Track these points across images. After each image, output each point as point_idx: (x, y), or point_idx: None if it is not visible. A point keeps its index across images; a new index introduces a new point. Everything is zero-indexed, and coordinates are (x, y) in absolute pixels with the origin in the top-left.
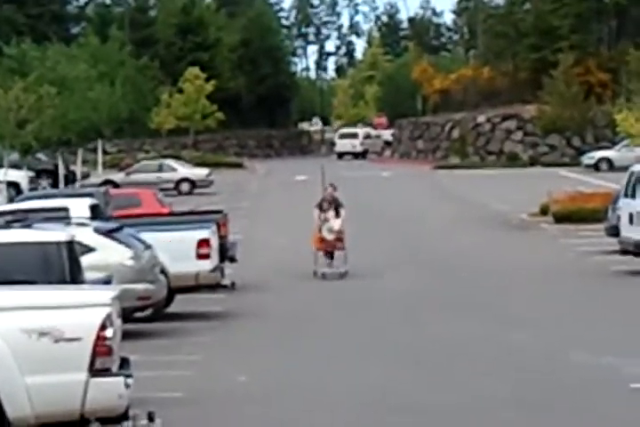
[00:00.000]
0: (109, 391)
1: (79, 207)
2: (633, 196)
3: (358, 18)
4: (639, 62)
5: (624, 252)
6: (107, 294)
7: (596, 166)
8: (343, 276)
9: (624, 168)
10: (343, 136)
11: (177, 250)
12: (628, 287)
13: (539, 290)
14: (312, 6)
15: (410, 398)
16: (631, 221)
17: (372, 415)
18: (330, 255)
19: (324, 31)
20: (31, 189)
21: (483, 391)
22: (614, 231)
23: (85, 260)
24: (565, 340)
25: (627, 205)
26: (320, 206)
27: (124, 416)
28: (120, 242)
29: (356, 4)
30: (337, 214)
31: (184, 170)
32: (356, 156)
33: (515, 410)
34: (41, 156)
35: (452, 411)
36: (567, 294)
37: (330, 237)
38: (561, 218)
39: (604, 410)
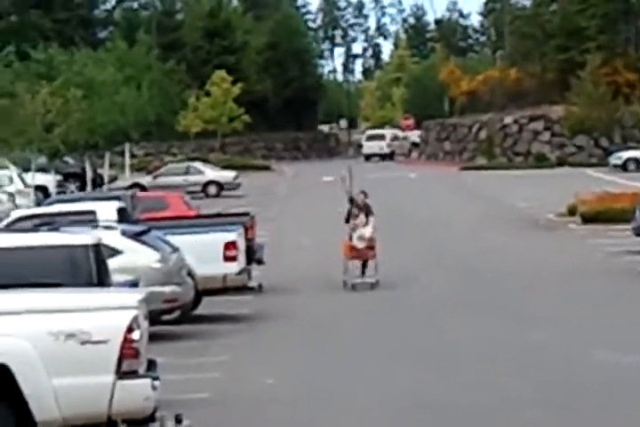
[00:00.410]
0: (136, 394)
1: (106, 210)
2: None
3: (385, 20)
4: None
5: None
6: (134, 296)
7: (623, 166)
8: (374, 286)
9: None
10: (370, 138)
11: (204, 252)
12: None
13: (566, 290)
14: (339, 9)
15: (437, 398)
16: None
17: (402, 417)
18: (363, 265)
19: (351, 33)
20: (59, 193)
21: (508, 392)
22: None
23: (112, 262)
24: (590, 339)
25: None
26: (349, 213)
27: (152, 418)
28: (147, 245)
29: (383, 7)
30: (367, 222)
31: (211, 173)
32: (384, 157)
33: (541, 410)
34: (68, 159)
35: (480, 411)
36: (594, 295)
37: (361, 245)
38: (589, 218)
39: (628, 410)
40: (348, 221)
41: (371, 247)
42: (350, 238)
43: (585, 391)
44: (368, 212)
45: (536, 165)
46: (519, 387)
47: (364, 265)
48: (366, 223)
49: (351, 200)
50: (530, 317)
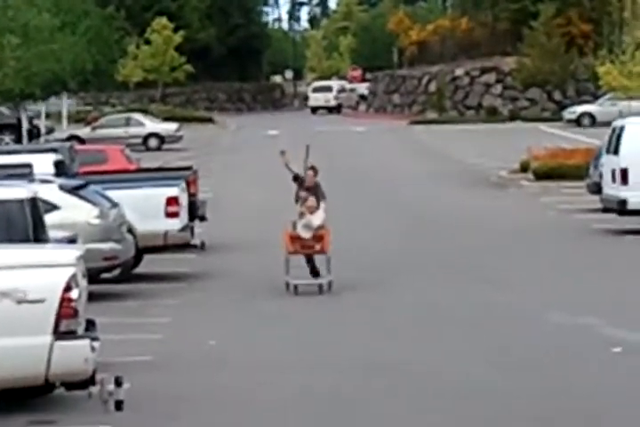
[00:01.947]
0: (75, 355)
1: (43, 163)
2: (615, 152)
3: None
4: (621, 13)
5: (606, 210)
6: (71, 253)
7: (577, 121)
8: (324, 289)
9: (607, 123)
10: (317, 90)
11: (145, 208)
12: (610, 246)
13: (519, 250)
14: None
15: (387, 359)
16: (614, 178)
17: (350, 377)
18: (308, 260)
19: None
20: None
21: (463, 355)
22: (596, 189)
23: (49, 218)
24: (545, 300)
25: (609, 162)
26: (296, 195)
27: (91, 381)
28: (86, 200)
29: None
30: (317, 207)
31: (152, 125)
32: (330, 110)
33: (497, 373)
34: (3, 110)
35: (428, 372)
36: (547, 254)
37: (307, 235)
38: (541, 175)
39: (584, 374)
40: (297, 197)
41: (320, 238)
42: (294, 227)
43: (540, 355)
44: (318, 194)
45: (487, 120)
46: (474, 349)
47: (310, 261)
48: (316, 208)
49: (296, 178)
50: (485, 277)
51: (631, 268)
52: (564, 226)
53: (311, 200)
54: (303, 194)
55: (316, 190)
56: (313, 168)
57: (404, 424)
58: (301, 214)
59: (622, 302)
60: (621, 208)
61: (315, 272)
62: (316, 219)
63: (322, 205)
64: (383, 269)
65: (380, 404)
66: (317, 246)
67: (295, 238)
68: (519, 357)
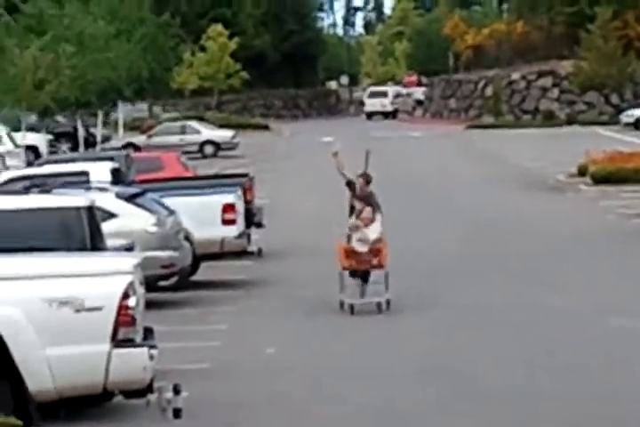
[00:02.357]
0: (133, 363)
1: (100, 171)
2: None
3: None
4: None
5: None
6: (129, 261)
7: (635, 125)
8: (382, 308)
9: None
10: (372, 95)
11: (201, 215)
12: None
13: (575, 253)
14: None
15: (447, 363)
16: None
17: (408, 382)
18: (363, 277)
19: None
20: (50, 153)
21: (513, 358)
22: None
23: (107, 226)
24: (602, 304)
25: None
26: (351, 207)
27: (149, 389)
28: (143, 207)
29: None
30: (373, 219)
31: (208, 132)
32: (386, 115)
33: (563, 373)
34: (60, 118)
35: (482, 375)
36: (605, 257)
37: (362, 248)
38: (600, 179)
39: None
40: (351, 214)
41: (377, 252)
42: (348, 240)
43: (598, 355)
44: (373, 205)
45: (544, 124)
46: (530, 352)
47: (365, 279)
48: (372, 221)
49: (349, 183)
50: (542, 280)
51: None
52: (623, 230)
53: (367, 211)
54: (358, 205)
55: (369, 200)
56: (364, 176)
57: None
58: (356, 228)
59: None
60: None
61: (363, 288)
62: (373, 232)
63: (377, 216)
64: (440, 274)
65: (430, 411)
66: (374, 261)
67: (350, 253)
68: (576, 360)
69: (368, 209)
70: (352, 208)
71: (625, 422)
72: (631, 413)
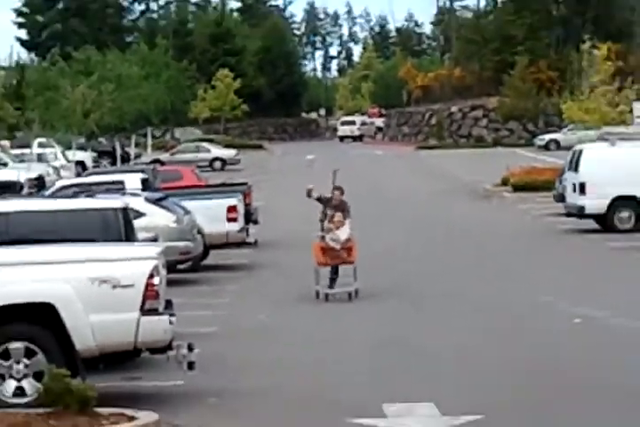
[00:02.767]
0: (157, 327)
1: (132, 181)
2: (575, 170)
3: (356, 28)
4: (580, 63)
5: (569, 214)
6: (154, 249)
7: (546, 146)
8: (352, 296)
9: (568, 148)
10: (344, 123)
11: (211, 214)
12: (572, 240)
13: (503, 244)
14: (318, 19)
15: (414, 341)
16: (574, 190)
17: (380, 351)
18: (334, 270)
19: (328, 39)
20: (94, 167)
21: (464, 329)
22: (561, 198)
23: (137, 222)
24: (520, 283)
25: (571, 178)
26: (324, 213)
27: (169, 347)
28: (165, 208)
29: (354, 17)
30: (343, 223)
31: (217, 151)
32: (355, 139)
33: (484, 336)
34: (102, 140)
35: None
36: (523, 248)
37: (336, 246)
38: (518, 188)
39: (551, 339)
40: (322, 221)
41: (348, 249)
42: (322, 239)
43: (528, 324)
44: (345, 211)
45: (476, 145)
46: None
47: (335, 272)
48: (342, 224)
49: (319, 199)
50: (483, 269)
51: (588, 258)
52: (537, 227)
53: (338, 216)
54: (330, 211)
55: (342, 207)
56: (339, 188)
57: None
58: (329, 230)
59: (581, 283)
60: (580, 213)
61: (334, 280)
62: (343, 233)
63: (347, 221)
64: (400, 267)
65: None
66: (346, 257)
67: (326, 250)
68: (511, 330)
69: (339, 214)
70: (325, 215)
71: (563, 387)
72: (570, 379)
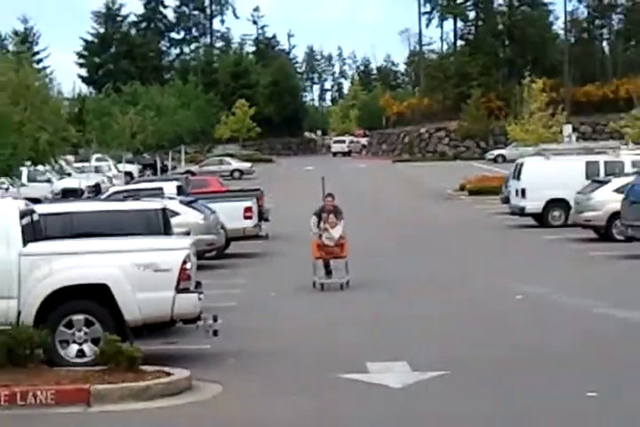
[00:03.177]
0: (188, 303)
1: (170, 188)
2: (518, 178)
3: (345, 67)
4: (522, 94)
5: (512, 213)
6: (187, 241)
7: (494, 160)
8: (344, 286)
9: (512, 160)
10: (336, 142)
11: (231, 214)
12: (516, 233)
13: (461, 235)
14: (316, 60)
15: (392, 313)
16: (517, 194)
17: (356, 324)
18: (327, 264)
19: (324, 75)
20: (140, 176)
21: (419, 303)
22: (506, 200)
23: (173, 220)
24: (475, 267)
25: (514, 184)
26: (319, 216)
27: (198, 318)
28: (195, 209)
29: (344, 58)
30: (336, 223)
31: (236, 164)
32: (344, 154)
33: (446, 308)
34: (146, 155)
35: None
36: (477, 238)
37: (330, 243)
38: (473, 192)
39: (499, 311)
40: (318, 225)
41: (341, 246)
42: (320, 238)
43: (469, 303)
44: (338, 213)
45: (440, 159)
46: (427, 298)
47: (328, 265)
48: (336, 225)
49: (317, 215)
50: (447, 256)
51: (528, 248)
52: (488, 222)
53: (332, 217)
54: (324, 215)
55: (335, 211)
56: (331, 195)
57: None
58: (325, 230)
59: (522, 267)
60: (522, 212)
61: (329, 272)
62: (336, 232)
63: (340, 222)
64: (383, 260)
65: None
66: (339, 252)
67: (321, 246)
68: (464, 301)
69: (332, 216)
70: (319, 219)
71: (511, 347)
72: (515, 342)
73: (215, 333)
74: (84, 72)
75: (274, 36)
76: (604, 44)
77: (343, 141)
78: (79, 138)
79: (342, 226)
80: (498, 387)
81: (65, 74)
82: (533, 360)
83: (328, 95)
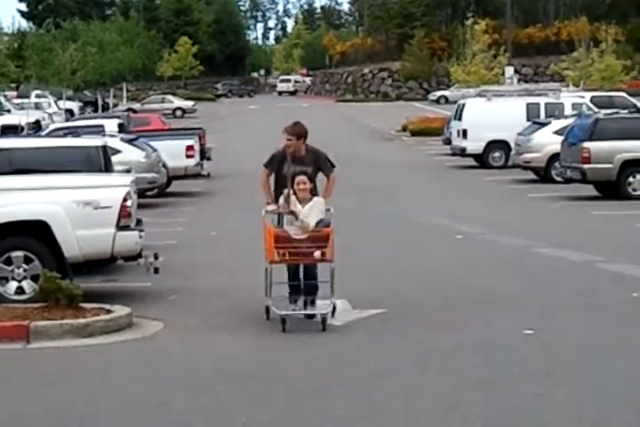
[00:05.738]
0: (129, 240)
1: (111, 125)
2: (459, 119)
3: (289, 6)
4: (464, 35)
5: (454, 154)
6: (127, 178)
7: (437, 101)
8: (326, 321)
9: (454, 102)
10: (282, 81)
11: (173, 152)
12: (457, 174)
13: (403, 176)
14: None
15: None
16: (458, 135)
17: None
18: (294, 275)
19: (267, 14)
20: (80, 114)
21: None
22: (448, 142)
23: (114, 158)
24: (417, 208)
25: (456, 125)
26: (276, 169)
27: (139, 255)
28: (137, 147)
29: None
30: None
31: (178, 102)
32: (291, 93)
33: (388, 249)
34: (86, 92)
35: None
36: (420, 179)
37: (300, 234)
38: (415, 133)
39: (439, 251)
40: (277, 191)
41: (319, 239)
42: (279, 222)
43: (408, 241)
44: (315, 167)
45: (382, 100)
46: (368, 235)
47: (296, 276)
48: (310, 197)
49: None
50: (387, 194)
51: (468, 188)
52: (430, 163)
53: (301, 179)
54: (286, 169)
55: (305, 161)
56: (297, 129)
57: None
58: (291, 213)
59: (462, 207)
60: (462, 153)
61: (297, 291)
62: (312, 217)
63: (319, 193)
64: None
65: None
66: (316, 252)
67: (283, 240)
68: (396, 239)
69: (302, 178)
70: (278, 182)
71: (449, 286)
72: (453, 280)
73: (156, 270)
74: (23, 7)
75: None
76: None
77: (289, 80)
78: (18, 74)
79: (322, 201)
80: (434, 325)
81: (4, 9)
82: (471, 299)
83: (272, 34)
